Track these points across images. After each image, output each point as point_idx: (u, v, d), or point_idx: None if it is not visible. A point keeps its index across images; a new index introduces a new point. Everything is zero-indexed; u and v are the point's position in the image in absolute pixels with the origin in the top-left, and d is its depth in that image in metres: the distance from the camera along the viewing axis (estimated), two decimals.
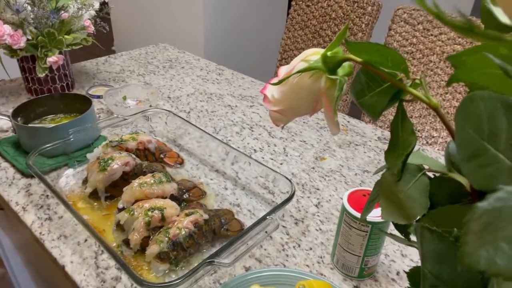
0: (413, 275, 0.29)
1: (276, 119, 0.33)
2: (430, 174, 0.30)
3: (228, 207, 0.67)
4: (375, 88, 0.29)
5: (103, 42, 1.24)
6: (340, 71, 0.29)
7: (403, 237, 0.31)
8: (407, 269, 0.57)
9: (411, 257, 0.60)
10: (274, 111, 0.32)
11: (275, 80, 0.31)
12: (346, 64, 0.30)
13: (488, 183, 0.18)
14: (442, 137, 1.30)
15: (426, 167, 0.30)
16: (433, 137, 1.29)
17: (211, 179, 0.74)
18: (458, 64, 0.19)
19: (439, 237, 0.24)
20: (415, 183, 0.29)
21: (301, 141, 0.88)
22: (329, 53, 0.29)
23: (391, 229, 0.57)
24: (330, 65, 0.29)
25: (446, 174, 0.28)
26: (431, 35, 1.29)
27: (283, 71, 0.32)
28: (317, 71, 0.29)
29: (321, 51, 0.29)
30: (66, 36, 0.89)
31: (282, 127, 0.35)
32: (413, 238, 0.31)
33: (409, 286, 0.29)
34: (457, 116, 0.22)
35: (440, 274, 0.24)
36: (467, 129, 0.21)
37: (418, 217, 0.28)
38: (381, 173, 0.32)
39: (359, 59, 0.27)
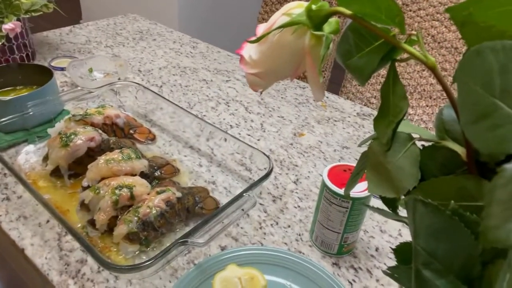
0: (401, 252, 0.27)
1: (254, 83, 0.29)
2: (419, 145, 0.28)
3: (203, 184, 0.64)
4: (364, 47, 0.26)
5: (70, 14, 1.15)
6: (326, 28, 0.26)
7: (390, 212, 0.29)
8: (386, 245, 0.57)
9: (390, 232, 0.59)
10: (252, 74, 0.28)
11: (253, 38, 0.27)
12: (332, 20, 0.26)
13: (500, 146, 0.16)
14: (417, 115, 1.31)
15: (416, 136, 0.28)
16: (409, 114, 1.29)
17: (185, 156, 0.70)
18: (467, 8, 0.17)
19: (434, 211, 0.22)
20: (405, 153, 0.27)
21: (279, 116, 0.85)
22: (314, 6, 0.25)
23: (371, 205, 0.55)
24: (316, 20, 0.25)
25: (439, 143, 0.26)
26: (410, 10, 1.27)
27: (261, 29, 0.28)
28: (300, 26, 0.25)
29: (305, 4, 0.26)
30: (23, 1, 0.81)
31: (261, 93, 0.31)
32: (401, 212, 0.29)
33: (391, 266, 0.27)
34: (460, 73, 0.19)
35: (435, 251, 0.22)
36: (473, 87, 0.18)
37: (408, 190, 0.26)
38: (367, 144, 0.30)
39: (348, 12, 0.24)
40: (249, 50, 0.28)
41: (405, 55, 0.24)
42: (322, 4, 0.25)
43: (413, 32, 0.23)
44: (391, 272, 0.27)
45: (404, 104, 0.26)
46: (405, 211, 0.24)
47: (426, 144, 0.28)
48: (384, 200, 0.29)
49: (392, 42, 0.24)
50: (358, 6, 0.23)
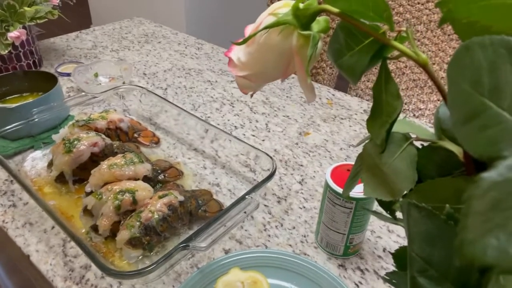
0: (399, 256, 0.26)
1: (243, 86, 0.29)
2: (418, 144, 0.27)
3: (207, 187, 0.64)
4: (354, 46, 0.25)
5: (80, 19, 1.16)
6: (315, 27, 0.25)
7: (388, 215, 0.28)
8: (394, 245, 0.55)
9: (398, 232, 0.57)
10: (241, 76, 0.28)
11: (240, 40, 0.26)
12: (321, 18, 0.25)
13: (490, 148, 0.15)
14: (429, 109, 1.28)
15: (413, 136, 0.27)
16: (420, 109, 1.26)
17: (189, 158, 0.70)
18: (446, 4, 0.16)
19: (428, 215, 0.21)
20: (401, 154, 0.26)
21: (284, 116, 0.84)
22: (300, 5, 0.24)
23: (377, 205, 0.54)
24: (303, 19, 0.24)
25: (435, 143, 0.25)
26: (418, 3, 1.24)
27: (249, 29, 0.27)
28: (287, 26, 0.24)
29: (291, 3, 0.25)
30: (27, 9, 0.82)
31: (251, 95, 0.31)
32: (399, 215, 0.28)
33: (389, 271, 0.26)
34: (450, 71, 0.18)
35: (430, 258, 0.21)
36: (463, 85, 0.17)
37: (405, 192, 0.25)
38: (363, 144, 0.29)
39: (335, 9, 0.23)
40: (237, 52, 0.27)
41: (396, 53, 0.23)
42: (309, 2, 0.24)
43: (403, 28, 0.22)
44: (390, 278, 0.26)
45: (398, 103, 0.25)
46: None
47: (425, 144, 0.27)
48: (381, 203, 0.28)
49: (381, 40, 0.23)
50: (344, 3, 0.22)
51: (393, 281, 0.26)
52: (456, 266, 0.20)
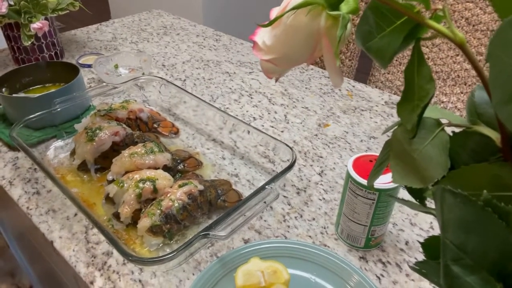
0: (429, 246, 0.26)
1: (268, 70, 0.28)
2: (449, 131, 0.26)
3: (226, 177, 0.64)
4: (385, 27, 0.24)
5: (99, 12, 1.18)
6: (344, 8, 0.24)
7: (417, 203, 0.27)
8: (416, 239, 0.54)
9: (421, 226, 0.56)
10: (266, 60, 0.27)
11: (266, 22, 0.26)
12: None
13: None
14: (451, 102, 1.25)
15: (445, 121, 0.26)
16: (443, 102, 1.23)
17: (208, 149, 0.70)
18: None
19: (464, 202, 0.20)
20: (432, 140, 0.25)
21: (303, 107, 0.83)
22: None
23: (400, 196, 0.53)
24: None
25: (470, 128, 0.24)
26: None
27: (275, 12, 0.27)
28: (315, 7, 0.24)
29: None
30: (49, 0, 0.83)
31: (276, 80, 0.30)
32: (429, 204, 0.27)
33: (419, 260, 0.25)
34: (492, 48, 0.17)
35: (465, 245, 0.20)
36: (507, 61, 0.16)
37: (437, 180, 0.24)
38: (391, 131, 0.28)
39: None
40: (263, 36, 0.27)
41: (431, 33, 0.22)
42: None
43: (439, 7, 0.21)
44: (419, 268, 0.26)
45: (430, 86, 0.24)
46: (433, 202, 0.23)
47: (457, 130, 0.26)
48: (410, 190, 0.27)
49: (416, 19, 0.22)
50: None
51: (423, 270, 0.25)
52: (494, 254, 0.19)
